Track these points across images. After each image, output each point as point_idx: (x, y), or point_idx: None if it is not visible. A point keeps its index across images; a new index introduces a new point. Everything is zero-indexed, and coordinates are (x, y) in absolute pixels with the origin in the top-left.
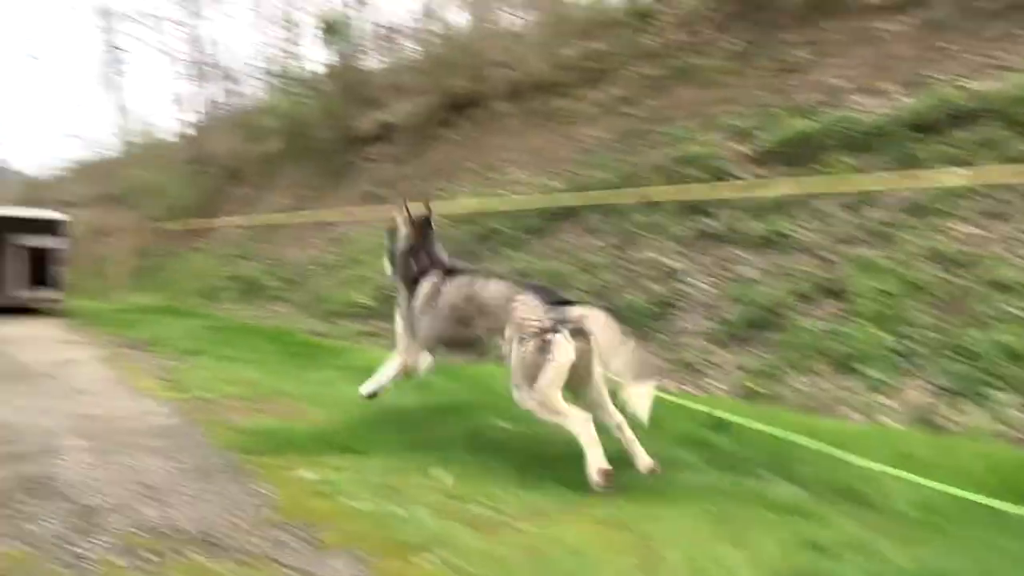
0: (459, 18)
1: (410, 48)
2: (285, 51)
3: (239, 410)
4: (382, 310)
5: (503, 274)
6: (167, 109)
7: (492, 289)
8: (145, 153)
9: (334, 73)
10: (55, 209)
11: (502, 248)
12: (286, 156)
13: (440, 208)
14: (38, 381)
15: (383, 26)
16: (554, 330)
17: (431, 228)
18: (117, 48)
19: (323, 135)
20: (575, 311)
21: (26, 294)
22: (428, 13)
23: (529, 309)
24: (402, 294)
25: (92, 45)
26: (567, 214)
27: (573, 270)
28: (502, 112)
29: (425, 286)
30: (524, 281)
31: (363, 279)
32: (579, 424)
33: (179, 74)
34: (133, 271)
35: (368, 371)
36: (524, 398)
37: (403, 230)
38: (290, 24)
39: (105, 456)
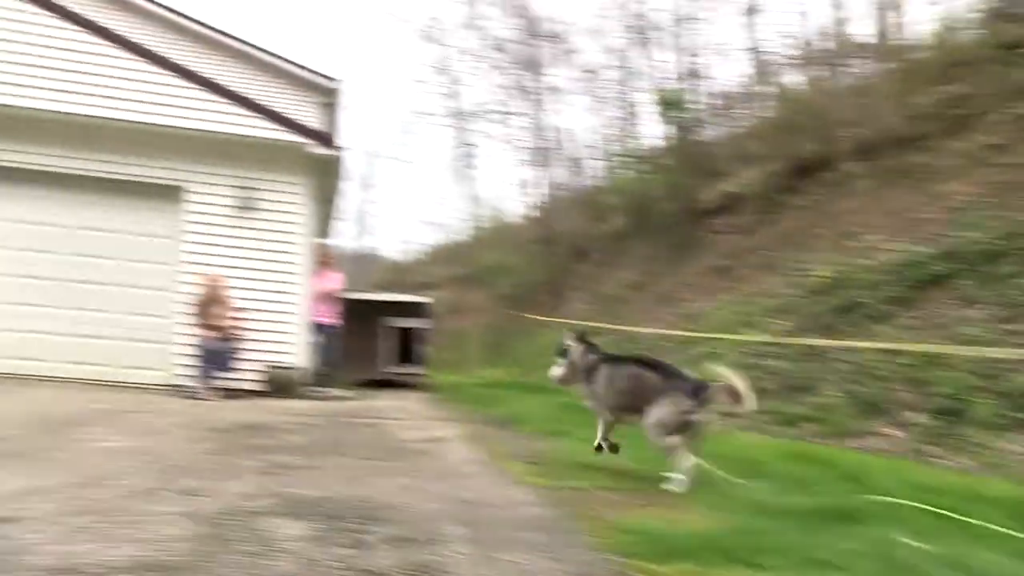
0: (795, 78)
1: (748, 114)
2: (624, 130)
3: (613, 503)
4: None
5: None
6: (513, 194)
7: (649, 374)
8: (494, 236)
9: (673, 147)
10: (415, 290)
11: (863, 321)
12: (629, 232)
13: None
14: (414, 459)
15: (718, 95)
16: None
17: (590, 341)
18: (468, 143)
19: (666, 209)
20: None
21: (395, 369)
22: (762, 78)
23: (679, 394)
24: (585, 387)
25: (446, 143)
26: (936, 281)
27: (949, 345)
28: (853, 173)
29: (600, 376)
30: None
31: (715, 355)
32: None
33: (524, 161)
34: (485, 346)
35: (736, 459)
36: (662, 442)
37: (575, 346)
38: (627, 104)
39: (486, 549)
